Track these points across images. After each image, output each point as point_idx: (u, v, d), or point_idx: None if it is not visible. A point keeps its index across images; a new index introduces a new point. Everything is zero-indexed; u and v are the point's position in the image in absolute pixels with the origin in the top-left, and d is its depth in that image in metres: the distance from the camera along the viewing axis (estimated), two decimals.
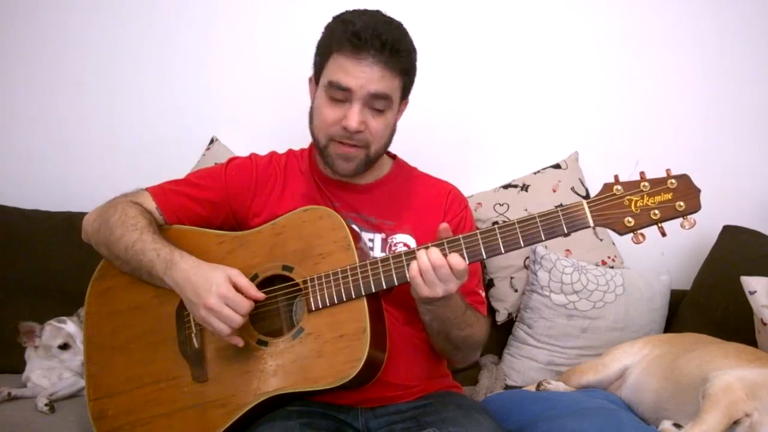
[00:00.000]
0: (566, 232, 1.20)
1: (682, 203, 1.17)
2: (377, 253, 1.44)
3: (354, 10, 1.40)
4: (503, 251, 1.22)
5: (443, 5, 2.23)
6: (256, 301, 1.28)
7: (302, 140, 1.58)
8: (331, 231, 1.32)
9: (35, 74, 2.19)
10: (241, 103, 2.23)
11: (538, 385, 1.77)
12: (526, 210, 2.10)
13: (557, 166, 2.21)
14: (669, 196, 1.18)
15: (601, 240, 2.15)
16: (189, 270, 1.30)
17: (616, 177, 1.22)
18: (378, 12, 1.40)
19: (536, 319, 2.01)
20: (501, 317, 2.10)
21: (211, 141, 2.17)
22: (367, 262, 1.28)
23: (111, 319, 1.42)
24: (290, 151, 1.56)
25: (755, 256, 1.94)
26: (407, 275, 1.25)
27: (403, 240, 1.44)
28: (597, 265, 2.09)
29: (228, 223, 1.48)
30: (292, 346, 1.29)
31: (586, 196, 2.16)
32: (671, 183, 1.18)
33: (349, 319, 1.27)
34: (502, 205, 2.14)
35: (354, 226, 1.41)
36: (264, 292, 1.30)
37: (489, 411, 1.38)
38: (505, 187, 2.19)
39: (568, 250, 2.10)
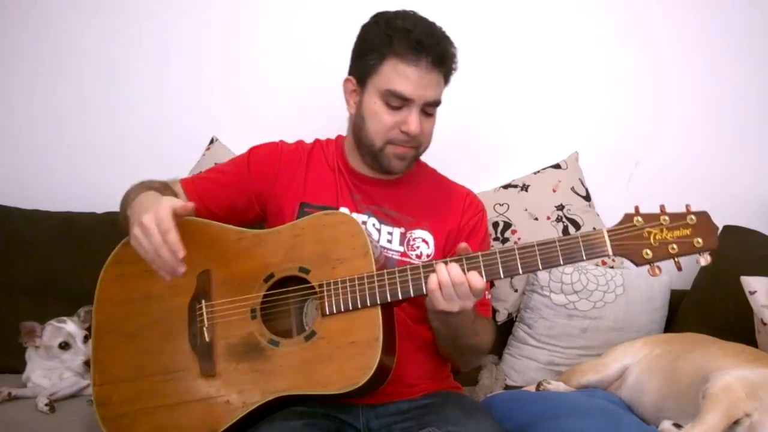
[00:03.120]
0: (585, 258, 1.22)
1: (700, 240, 1.19)
2: (395, 246, 1.47)
3: (398, 12, 1.43)
4: (521, 272, 1.24)
5: (442, 5, 2.22)
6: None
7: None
8: (350, 237, 1.32)
9: (35, 74, 2.19)
10: (241, 103, 2.22)
11: (538, 385, 1.77)
12: (526, 210, 2.09)
13: (557, 166, 2.21)
14: (688, 231, 1.20)
15: None
16: (145, 197, 1.31)
17: (636, 208, 1.23)
18: (419, 14, 1.43)
19: (536, 319, 2.01)
20: (501, 317, 2.10)
21: (211, 141, 2.17)
22: (385, 271, 1.28)
23: (122, 306, 1.40)
24: (317, 141, 1.60)
25: (755, 256, 1.93)
26: (424, 288, 1.26)
27: (422, 236, 1.47)
28: (597, 265, 2.08)
29: (251, 206, 1.51)
30: (303, 349, 1.29)
31: (586, 197, 2.16)
32: (690, 219, 1.20)
33: (363, 326, 1.27)
34: (502, 205, 2.14)
35: (374, 221, 1.44)
36: (279, 293, 1.33)
37: (489, 411, 1.39)
38: (505, 187, 2.18)
39: None
